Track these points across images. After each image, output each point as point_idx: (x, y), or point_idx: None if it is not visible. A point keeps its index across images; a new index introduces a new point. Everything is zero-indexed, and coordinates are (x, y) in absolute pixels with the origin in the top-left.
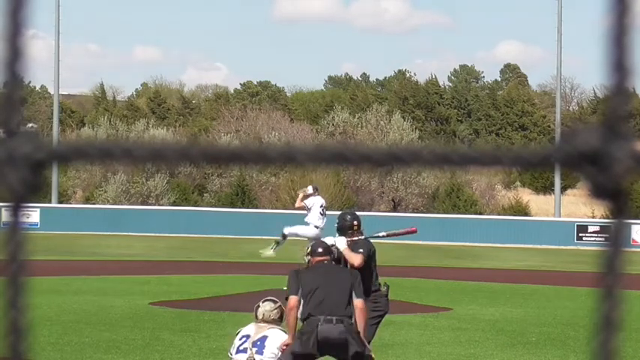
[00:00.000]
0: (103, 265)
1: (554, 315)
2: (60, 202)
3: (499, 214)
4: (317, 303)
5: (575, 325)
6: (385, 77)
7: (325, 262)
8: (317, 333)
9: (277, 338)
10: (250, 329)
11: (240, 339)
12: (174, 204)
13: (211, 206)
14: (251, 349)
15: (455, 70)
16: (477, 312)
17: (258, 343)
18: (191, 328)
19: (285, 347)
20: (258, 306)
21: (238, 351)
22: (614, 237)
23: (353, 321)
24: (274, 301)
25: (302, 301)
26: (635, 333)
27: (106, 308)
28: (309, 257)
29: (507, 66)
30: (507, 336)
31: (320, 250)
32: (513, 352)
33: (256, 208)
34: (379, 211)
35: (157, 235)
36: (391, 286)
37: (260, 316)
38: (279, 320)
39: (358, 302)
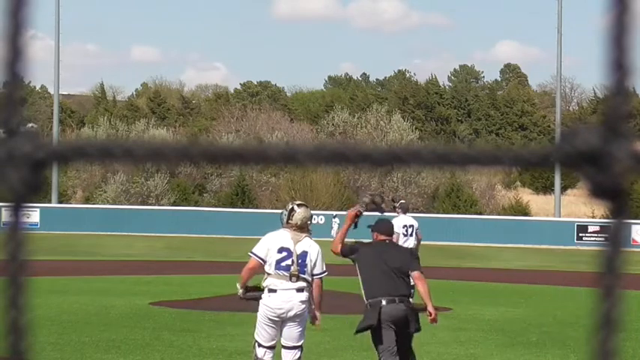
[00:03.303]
0: (103, 265)
1: (554, 315)
2: (60, 202)
3: (499, 214)
4: (380, 285)
5: (575, 325)
6: (385, 77)
7: (387, 241)
8: (381, 309)
9: (315, 253)
10: (287, 240)
11: (280, 252)
12: (174, 204)
13: (211, 206)
14: (295, 266)
15: (455, 70)
16: (477, 312)
17: (300, 261)
18: (191, 328)
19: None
20: (293, 210)
21: (280, 267)
22: (614, 237)
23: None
24: (306, 205)
25: (362, 280)
26: (635, 333)
27: (106, 308)
28: (375, 233)
29: (507, 66)
30: (507, 336)
31: (389, 231)
32: (513, 352)
33: (256, 208)
34: None
35: (157, 235)
36: None
37: (299, 222)
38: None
39: (415, 274)
